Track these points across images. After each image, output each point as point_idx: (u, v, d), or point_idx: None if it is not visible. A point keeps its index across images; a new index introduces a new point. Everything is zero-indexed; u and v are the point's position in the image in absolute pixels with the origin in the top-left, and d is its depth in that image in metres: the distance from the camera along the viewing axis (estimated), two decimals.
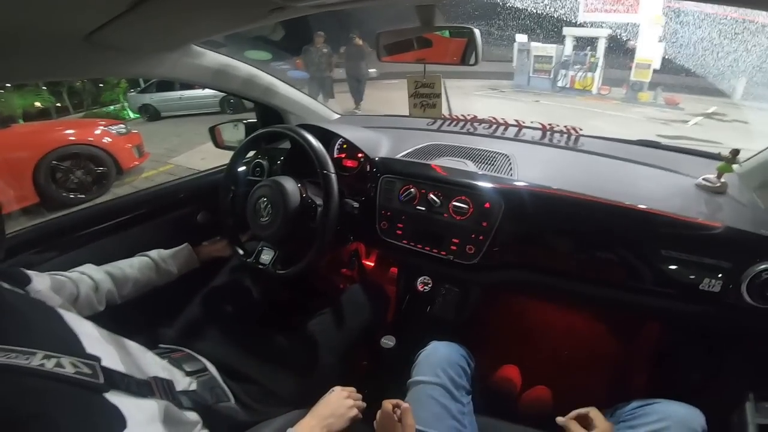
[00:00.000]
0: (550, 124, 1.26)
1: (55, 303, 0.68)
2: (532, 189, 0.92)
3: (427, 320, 1.13)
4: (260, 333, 0.98)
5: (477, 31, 0.75)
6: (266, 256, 1.01)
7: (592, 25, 8.87)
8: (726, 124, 6.85)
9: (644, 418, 0.70)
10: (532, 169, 1.00)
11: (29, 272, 0.73)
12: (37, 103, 10.70)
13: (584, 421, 0.66)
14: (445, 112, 1.40)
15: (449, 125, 1.37)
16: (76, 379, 0.49)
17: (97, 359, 0.54)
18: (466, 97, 8.49)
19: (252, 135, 1.13)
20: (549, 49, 9.77)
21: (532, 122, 1.30)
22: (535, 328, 1.31)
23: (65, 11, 0.63)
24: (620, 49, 8.93)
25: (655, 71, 8.11)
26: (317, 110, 1.50)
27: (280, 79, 1.38)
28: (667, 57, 7.90)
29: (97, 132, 4.44)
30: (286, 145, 1.23)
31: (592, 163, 1.07)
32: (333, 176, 0.95)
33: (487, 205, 0.92)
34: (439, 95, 0.84)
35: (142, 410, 0.54)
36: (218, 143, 1.47)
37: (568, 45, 9.60)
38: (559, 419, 0.67)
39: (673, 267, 0.80)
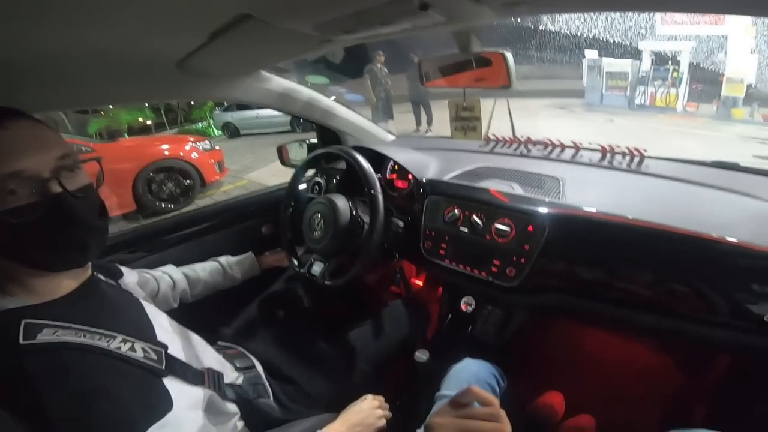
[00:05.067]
0: (610, 146, 1.19)
1: (139, 296, 0.77)
2: (578, 213, 0.89)
3: (465, 339, 1.13)
4: (306, 338, 1.04)
5: (508, 54, 0.76)
6: (317, 268, 1.08)
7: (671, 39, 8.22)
8: None
9: None
10: (585, 192, 0.97)
11: (122, 268, 0.84)
12: (140, 119, 12.31)
13: None
14: (508, 133, 1.40)
15: (502, 147, 1.37)
16: (143, 363, 0.56)
17: (165, 347, 0.61)
18: (531, 117, 8.14)
19: (310, 155, 1.23)
20: (623, 64, 9.11)
21: (590, 143, 1.25)
22: (586, 357, 1.23)
23: (159, 41, 0.74)
24: (707, 63, 8.14)
25: (749, 86, 7.27)
26: (373, 132, 1.58)
27: (339, 102, 1.49)
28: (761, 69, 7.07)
29: (187, 147, 4.96)
30: (343, 165, 1.31)
31: (656, 187, 1.00)
32: (379, 196, 1.01)
33: (530, 228, 0.91)
34: (479, 118, 0.85)
35: (189, 396, 0.60)
36: (284, 161, 1.60)
37: (646, 60, 8.93)
38: None
39: (736, 297, 0.74)
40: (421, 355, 0.98)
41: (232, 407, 0.75)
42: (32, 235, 0.52)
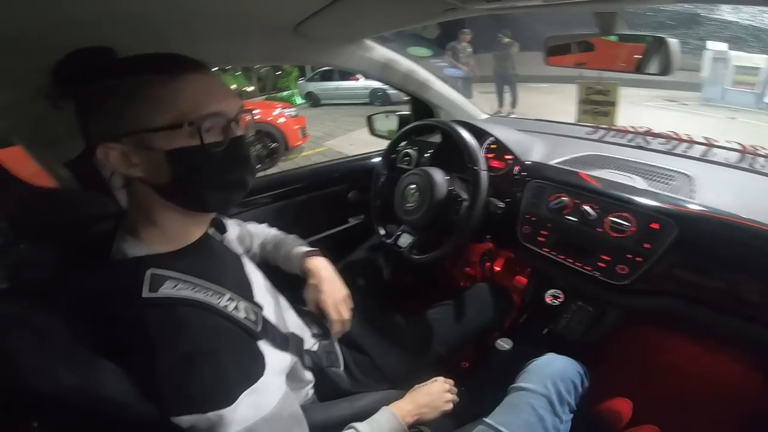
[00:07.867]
0: (753, 146, 1.03)
1: (238, 250, 0.77)
2: (716, 216, 0.79)
3: (546, 333, 1.07)
4: (383, 310, 1.04)
5: (672, 41, 0.66)
6: (404, 240, 1.08)
7: None
8: None
9: None
10: (721, 194, 0.86)
11: (226, 220, 0.81)
12: (234, 85, 13.15)
13: None
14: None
15: (614, 136, 1.23)
16: (244, 324, 0.55)
17: (261, 308, 0.61)
18: (633, 107, 7.17)
19: (410, 125, 1.21)
20: (757, 59, 7.77)
21: (727, 142, 1.09)
22: (664, 365, 1.12)
23: (280, 3, 0.75)
24: None
25: None
26: (467, 108, 1.53)
27: (436, 76, 1.44)
28: None
29: (275, 113, 5.29)
30: (436, 138, 1.27)
31: None
32: (483, 173, 0.97)
33: (654, 225, 0.82)
34: (613, 103, 0.78)
35: (278, 362, 0.59)
36: (372, 130, 1.64)
37: None
38: None
39: None
40: (504, 344, 0.94)
41: (309, 375, 0.76)
42: (211, 170, 0.54)
